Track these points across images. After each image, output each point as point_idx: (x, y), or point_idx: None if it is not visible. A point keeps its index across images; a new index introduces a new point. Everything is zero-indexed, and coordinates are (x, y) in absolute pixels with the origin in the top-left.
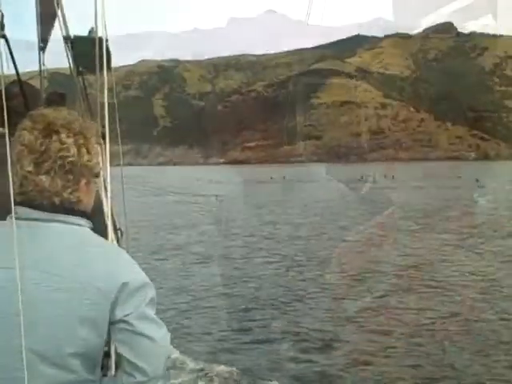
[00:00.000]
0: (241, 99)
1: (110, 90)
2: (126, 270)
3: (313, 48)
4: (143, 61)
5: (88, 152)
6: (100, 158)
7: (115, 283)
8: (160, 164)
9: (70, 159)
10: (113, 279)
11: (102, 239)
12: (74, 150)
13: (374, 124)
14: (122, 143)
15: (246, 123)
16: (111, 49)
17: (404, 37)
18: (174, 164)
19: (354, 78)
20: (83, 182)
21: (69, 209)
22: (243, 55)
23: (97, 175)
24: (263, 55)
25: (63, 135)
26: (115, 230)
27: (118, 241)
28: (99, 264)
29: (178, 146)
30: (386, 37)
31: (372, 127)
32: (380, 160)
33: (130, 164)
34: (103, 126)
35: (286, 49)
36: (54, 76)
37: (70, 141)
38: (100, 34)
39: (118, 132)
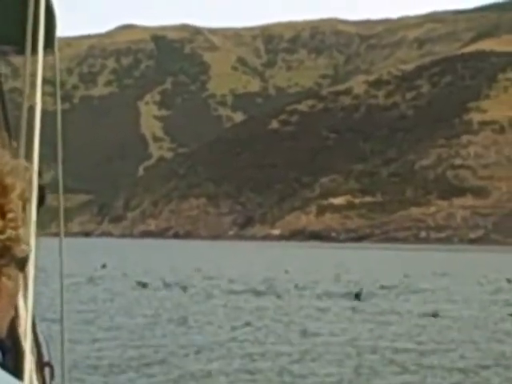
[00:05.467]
0: (318, 109)
1: (48, 83)
2: None
3: (472, 11)
4: (125, 27)
5: (2, 215)
6: (31, 228)
7: None
8: (145, 235)
9: None
10: None
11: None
12: None
13: None
14: (74, 190)
15: (327, 158)
16: (60, 5)
17: None
18: (176, 236)
19: None
20: None
21: None
22: (329, 20)
23: (22, 264)
24: (366, 22)
25: None
26: (40, 365)
27: None
28: None
29: (186, 199)
30: None
31: None
32: None
33: (86, 233)
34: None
35: (414, 10)
36: None
37: None
38: None
39: (60, 166)
